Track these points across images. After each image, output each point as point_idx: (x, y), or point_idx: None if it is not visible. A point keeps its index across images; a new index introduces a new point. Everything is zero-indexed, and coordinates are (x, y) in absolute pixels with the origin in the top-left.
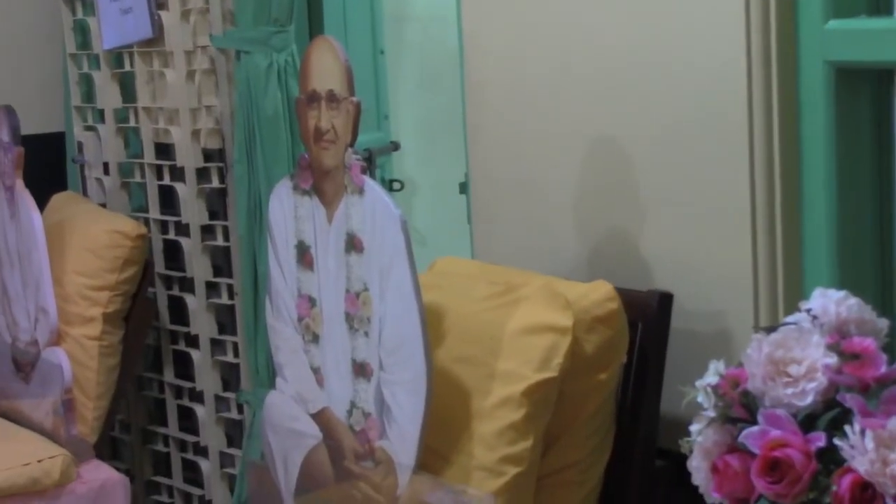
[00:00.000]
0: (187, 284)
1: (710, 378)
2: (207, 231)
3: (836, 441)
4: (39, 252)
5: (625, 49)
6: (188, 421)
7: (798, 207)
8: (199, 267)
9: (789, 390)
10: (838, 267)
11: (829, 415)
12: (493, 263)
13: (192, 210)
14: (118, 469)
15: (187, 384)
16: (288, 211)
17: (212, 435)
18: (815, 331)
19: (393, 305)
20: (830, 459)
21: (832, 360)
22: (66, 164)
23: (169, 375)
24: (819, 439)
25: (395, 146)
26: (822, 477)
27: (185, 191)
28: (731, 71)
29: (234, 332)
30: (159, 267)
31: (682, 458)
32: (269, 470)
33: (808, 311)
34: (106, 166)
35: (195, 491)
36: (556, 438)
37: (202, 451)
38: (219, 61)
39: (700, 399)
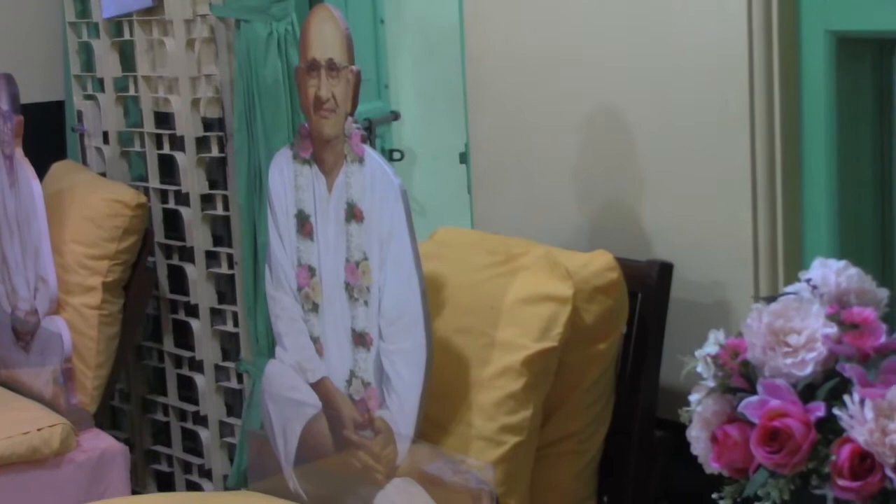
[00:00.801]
0: (187, 254)
1: (710, 348)
2: (207, 200)
3: (836, 411)
4: (39, 221)
5: (625, 20)
6: (188, 390)
7: (798, 177)
8: (198, 236)
9: (789, 360)
10: (838, 237)
11: (828, 385)
12: (493, 233)
13: (192, 179)
14: (118, 438)
15: (187, 353)
16: (288, 180)
17: (211, 404)
18: (815, 301)
19: (393, 275)
20: (830, 429)
21: (832, 330)
22: (65, 132)
23: (169, 345)
24: (818, 409)
25: (395, 116)
26: (822, 447)
27: (185, 160)
28: (733, 41)
29: (233, 302)
30: (159, 236)
31: (681, 428)
32: (268, 439)
33: (808, 281)
34: (106, 135)
35: (194, 460)
36: (555, 408)
37: (202, 421)
38: (218, 30)
39: (699, 369)
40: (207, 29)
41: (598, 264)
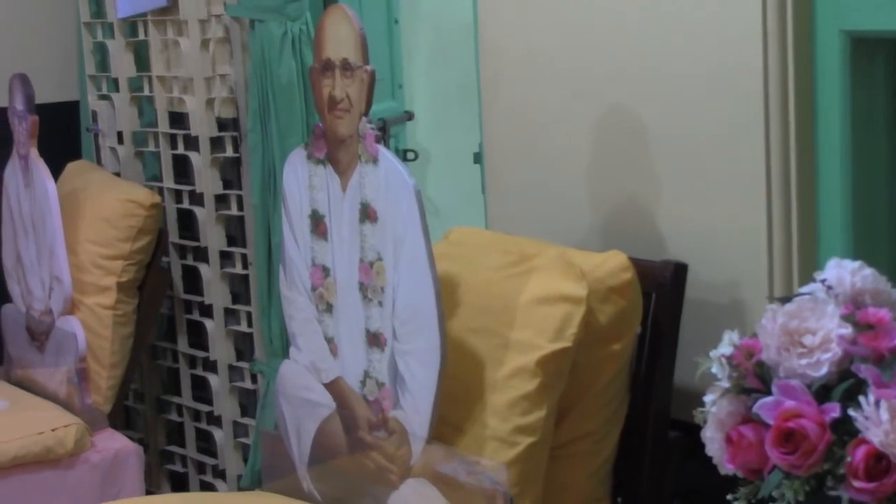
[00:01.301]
0: (201, 254)
1: (725, 348)
2: (221, 200)
3: (851, 412)
4: (53, 220)
5: (639, 19)
6: (202, 390)
7: (813, 177)
8: (212, 236)
9: (804, 361)
10: (853, 237)
11: (843, 385)
12: (507, 233)
13: (206, 179)
14: (132, 438)
15: (201, 354)
16: (302, 180)
17: (225, 404)
18: (830, 301)
19: (407, 275)
20: (845, 430)
21: (847, 330)
22: (80, 132)
23: (183, 345)
24: (833, 410)
25: (410, 116)
26: (837, 448)
27: (199, 160)
28: (747, 40)
29: (247, 302)
30: (173, 236)
31: (695, 429)
32: (282, 439)
33: (823, 281)
34: (120, 135)
35: (208, 460)
36: (569, 409)
37: (216, 421)
38: (233, 30)
39: (714, 370)
40: (222, 29)
41: (613, 265)
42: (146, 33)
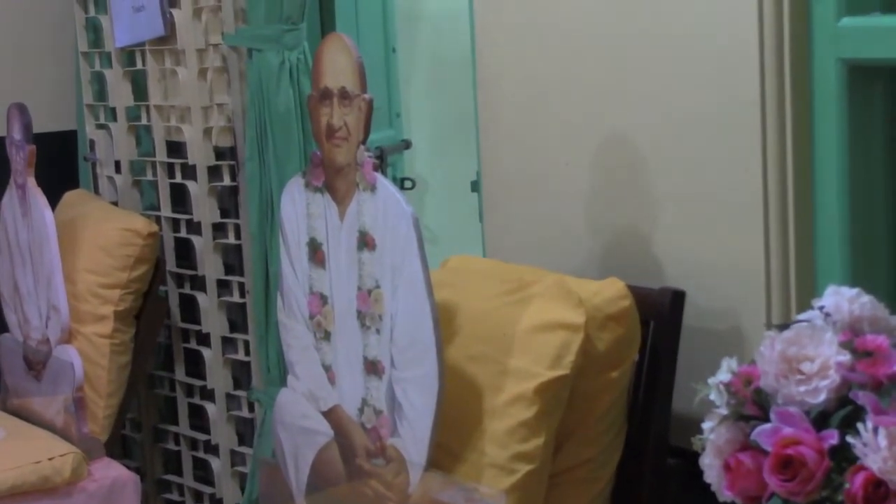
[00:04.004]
0: (199, 283)
1: (723, 376)
2: (219, 229)
3: (849, 439)
4: (51, 249)
5: (637, 47)
6: (199, 419)
7: (810, 205)
8: (210, 265)
9: (802, 388)
10: (851, 264)
11: (841, 412)
12: (504, 261)
13: (204, 208)
14: (129, 467)
15: (198, 382)
16: (300, 208)
17: (223, 433)
18: (828, 328)
19: (405, 303)
20: (843, 457)
21: (845, 357)
22: (77, 162)
23: (180, 373)
24: (832, 437)
25: (407, 144)
26: (835, 475)
27: (197, 189)
28: (744, 68)
29: (245, 331)
30: (171, 265)
31: (694, 456)
32: (279, 468)
33: (821, 308)
34: (118, 164)
35: (206, 489)
36: (567, 436)
37: (213, 450)
38: (231, 59)
39: (712, 397)
40: (220, 58)
41: (610, 292)
42: (144, 63)
